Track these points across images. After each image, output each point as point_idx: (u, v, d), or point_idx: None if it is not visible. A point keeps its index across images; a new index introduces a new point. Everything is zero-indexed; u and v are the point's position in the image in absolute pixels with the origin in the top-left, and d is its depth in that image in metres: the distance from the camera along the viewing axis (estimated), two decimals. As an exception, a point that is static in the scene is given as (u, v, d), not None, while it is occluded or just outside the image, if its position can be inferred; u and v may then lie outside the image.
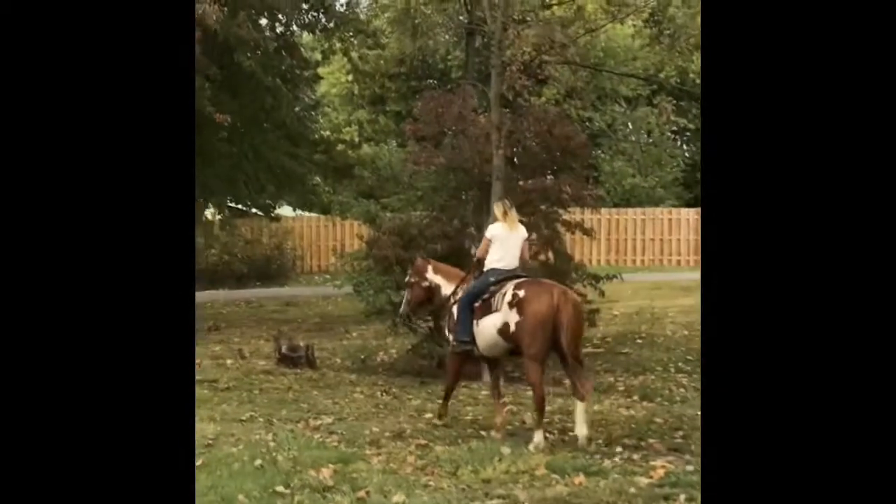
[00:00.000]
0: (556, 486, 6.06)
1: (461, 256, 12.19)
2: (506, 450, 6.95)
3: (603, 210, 23.18)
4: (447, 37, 30.05)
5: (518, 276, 8.16)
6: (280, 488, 5.85)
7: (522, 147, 12.72)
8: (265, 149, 15.42)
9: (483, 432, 7.99)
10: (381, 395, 10.30)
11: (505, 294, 7.90)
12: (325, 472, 6.27)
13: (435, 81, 30.45)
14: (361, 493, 5.72)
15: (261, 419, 8.62)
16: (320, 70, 21.03)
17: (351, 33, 16.46)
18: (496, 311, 7.92)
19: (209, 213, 16.39)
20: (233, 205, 17.77)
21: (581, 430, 7.63)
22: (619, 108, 30.02)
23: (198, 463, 6.60)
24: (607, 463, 6.62)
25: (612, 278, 12.97)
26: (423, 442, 7.50)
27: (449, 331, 8.66)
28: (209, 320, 17.36)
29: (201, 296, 21.19)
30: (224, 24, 12.90)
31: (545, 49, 12.23)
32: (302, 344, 12.66)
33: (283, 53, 16.06)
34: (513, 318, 7.77)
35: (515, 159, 12.76)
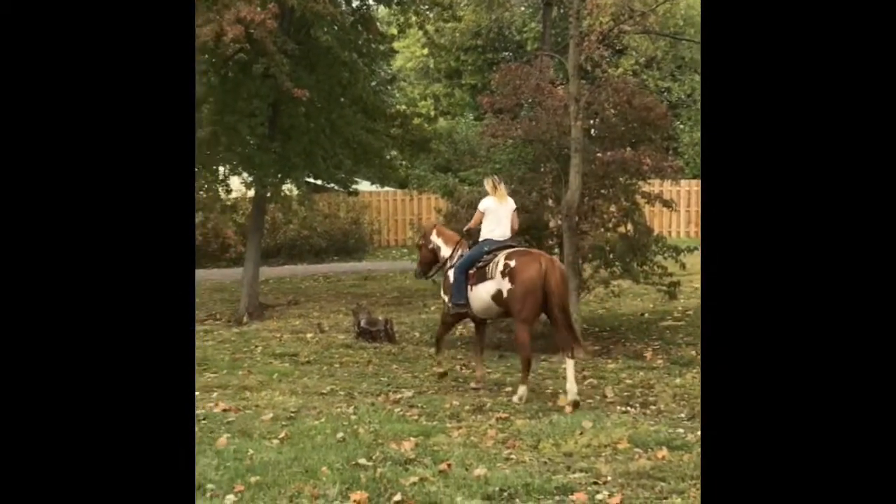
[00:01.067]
0: (639, 459, 5.99)
1: (540, 229, 12.12)
2: (587, 423, 6.90)
3: (683, 181, 22.90)
4: (523, 8, 29.91)
5: (509, 247, 9.02)
6: (362, 461, 5.88)
7: (601, 118, 12.56)
8: (342, 123, 15.43)
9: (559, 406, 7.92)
10: (461, 368, 10.29)
11: (497, 263, 8.76)
12: (407, 445, 6.30)
13: (511, 54, 30.26)
14: (443, 466, 5.72)
15: (341, 392, 8.69)
16: (395, 44, 20.97)
17: (427, 6, 16.37)
18: (490, 278, 8.80)
19: (286, 188, 16.49)
20: (310, 180, 17.87)
21: (571, 388, 8.19)
22: (698, 77, 29.54)
23: (281, 435, 6.70)
24: (691, 437, 6.53)
25: (692, 251, 12.77)
26: (503, 415, 7.48)
27: (445, 292, 9.58)
28: (289, 294, 17.55)
29: (280, 270, 21.50)
30: (301, -1, 12.94)
31: (623, 18, 12.06)
32: (381, 318, 12.71)
33: (360, 28, 16.03)
34: (505, 285, 8.62)
35: (594, 131, 12.61)
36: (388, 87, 34.09)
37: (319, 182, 18.84)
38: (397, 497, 5.14)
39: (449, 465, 5.74)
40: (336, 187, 17.68)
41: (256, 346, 11.87)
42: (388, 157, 17.54)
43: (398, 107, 21.98)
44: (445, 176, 13.95)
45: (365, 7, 16.67)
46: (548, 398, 8.35)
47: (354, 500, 5.10)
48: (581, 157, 11.05)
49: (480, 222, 9.28)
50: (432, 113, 25.67)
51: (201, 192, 15.53)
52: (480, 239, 9.24)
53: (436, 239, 9.95)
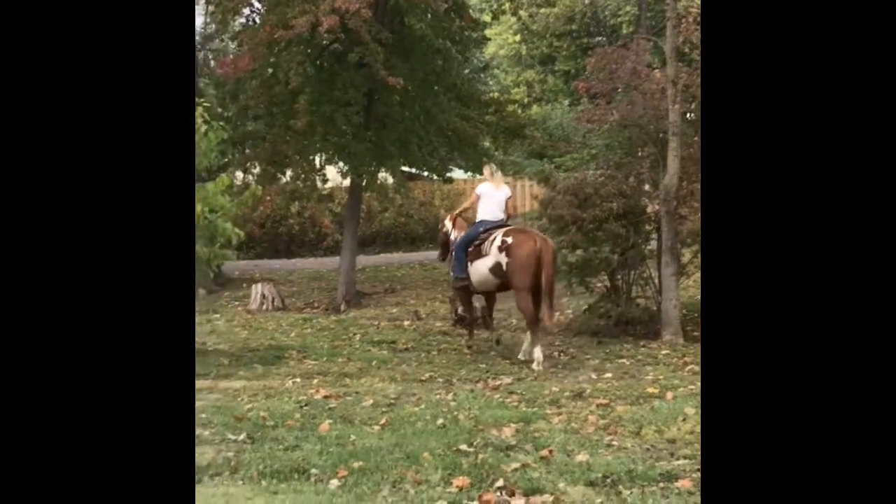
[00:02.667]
0: (745, 446, 5.87)
1: (637, 214, 11.97)
2: (689, 410, 6.79)
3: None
4: (617, -8, 29.57)
5: (504, 226, 10.15)
6: (463, 447, 5.87)
7: (699, 102, 12.34)
8: (437, 111, 15.46)
9: (660, 394, 7.82)
10: (559, 355, 10.23)
11: (494, 241, 9.86)
12: (507, 431, 6.27)
13: (605, 38, 29.95)
14: (545, 453, 5.68)
15: (440, 379, 8.71)
16: (488, 31, 20.91)
17: (520, -8, 16.33)
18: (486, 255, 9.92)
19: (382, 176, 16.61)
20: (405, 168, 17.97)
21: (537, 354, 9.39)
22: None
23: (381, 421, 6.74)
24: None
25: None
26: (603, 401, 7.40)
27: (451, 269, 10.71)
28: (385, 282, 17.67)
29: (377, 259, 21.66)
30: (395, -13, 12.99)
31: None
32: (477, 305, 12.70)
33: (453, 15, 16.01)
34: (503, 259, 9.74)
35: (691, 115, 12.39)
36: (482, 75, 34.08)
37: (414, 170, 18.92)
38: (499, 483, 5.11)
39: (550, 452, 5.70)
40: (431, 175, 17.74)
41: (355, 334, 11.97)
42: (482, 144, 17.52)
43: (492, 94, 21.92)
44: (541, 162, 13.88)
45: (458, -6, 16.66)
46: (648, 384, 8.24)
47: (457, 486, 5.10)
48: (679, 141, 10.88)
49: (474, 204, 10.57)
50: (526, 100, 25.54)
51: (298, 182, 15.74)
52: (477, 220, 10.45)
53: (448, 224, 11.27)
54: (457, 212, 11.38)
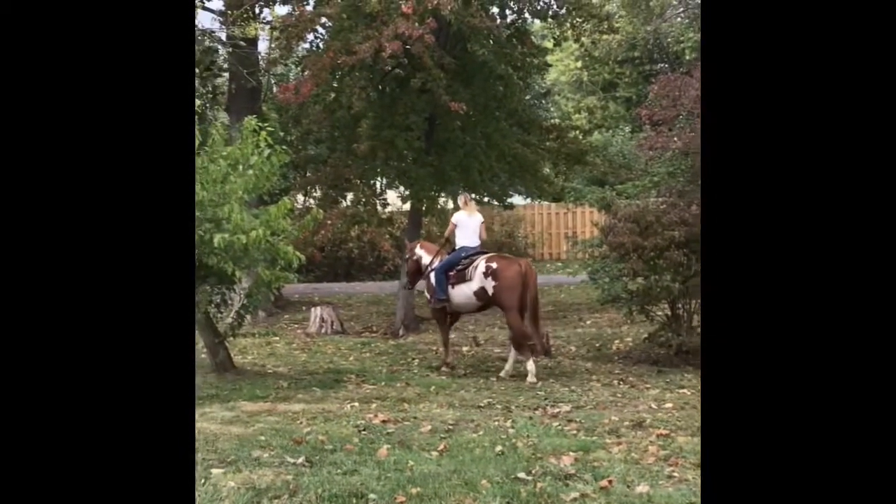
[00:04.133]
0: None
1: (699, 242, 11.82)
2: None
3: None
4: (680, 18, 29.41)
5: (484, 253, 11.05)
6: (522, 475, 5.82)
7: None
8: (498, 137, 15.46)
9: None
10: (619, 383, 10.14)
11: (477, 266, 10.72)
12: (566, 460, 6.22)
13: (667, 65, 29.82)
14: (604, 483, 5.61)
15: (499, 406, 8.66)
16: (549, 57, 20.90)
17: (583, 18, 16.24)
18: (470, 279, 10.77)
19: (442, 201, 16.64)
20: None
21: (530, 367, 10.25)
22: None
23: (440, 447, 6.71)
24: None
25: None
26: (664, 432, 7.31)
27: (427, 291, 11.60)
28: (444, 307, 17.67)
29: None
30: (458, 13, 13.02)
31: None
32: (540, 331, 12.63)
33: (515, 41, 16.03)
34: (489, 284, 10.60)
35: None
36: (543, 101, 34.07)
37: (474, 195, 18.92)
38: (559, 512, 5.08)
39: (610, 482, 5.63)
40: (491, 200, 17.73)
41: (413, 359, 11.98)
42: (543, 170, 17.48)
43: (553, 120, 21.88)
44: (602, 189, 13.80)
45: (521, 20, 16.66)
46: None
47: (515, 515, 5.06)
48: (743, 169, 10.74)
49: (453, 232, 11.36)
50: (587, 126, 25.49)
51: (359, 206, 15.81)
52: (456, 247, 11.23)
53: (419, 251, 11.82)
54: (443, 240, 11.96)
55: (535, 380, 10.05)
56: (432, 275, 11.28)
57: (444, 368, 11.21)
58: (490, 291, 10.62)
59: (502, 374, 10.69)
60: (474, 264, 10.79)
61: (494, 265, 10.65)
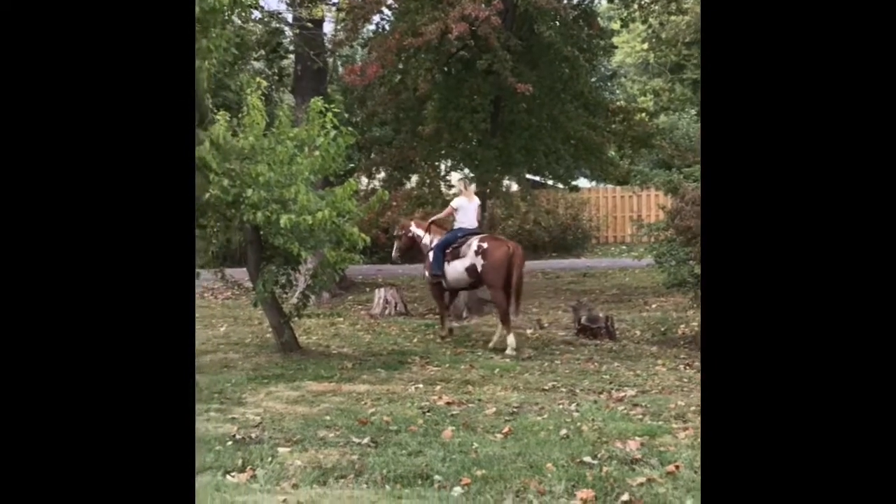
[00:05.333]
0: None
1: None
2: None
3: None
4: (750, -1, 28.92)
5: (478, 233, 11.88)
6: (587, 458, 5.80)
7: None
8: (563, 119, 15.35)
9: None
10: (684, 368, 10.02)
11: (471, 245, 11.56)
12: (632, 445, 6.17)
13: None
14: (671, 468, 5.56)
15: (563, 389, 8.62)
16: (615, 39, 20.71)
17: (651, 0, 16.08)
18: (463, 256, 11.61)
19: (506, 182, 16.57)
20: (529, 176, 17.89)
21: (510, 341, 11.07)
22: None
23: (504, 430, 6.70)
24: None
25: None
26: (731, 418, 7.21)
27: (426, 268, 12.37)
28: (508, 290, 17.62)
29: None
30: (525, -6, 12.96)
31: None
32: (601, 315, 12.56)
33: (581, 23, 15.90)
34: (479, 262, 11.45)
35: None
36: (609, 83, 33.78)
37: (538, 178, 18.83)
38: (625, 497, 5.03)
39: (677, 467, 5.58)
40: (556, 183, 17.62)
41: (477, 341, 11.96)
42: (608, 153, 17.33)
43: (619, 103, 21.68)
44: (668, 172, 13.64)
45: (587, 2, 16.52)
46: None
47: (581, 499, 5.03)
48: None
49: (451, 215, 12.21)
50: (653, 109, 25.21)
51: (423, 188, 15.82)
52: (454, 227, 12.06)
53: (415, 229, 12.69)
54: (430, 220, 12.79)
55: (513, 353, 10.87)
56: (430, 253, 12.09)
57: (446, 338, 12.08)
58: (479, 269, 11.46)
59: (490, 345, 11.50)
60: (468, 243, 11.62)
61: (485, 245, 11.50)
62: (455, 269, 11.74)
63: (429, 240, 12.32)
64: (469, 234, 11.81)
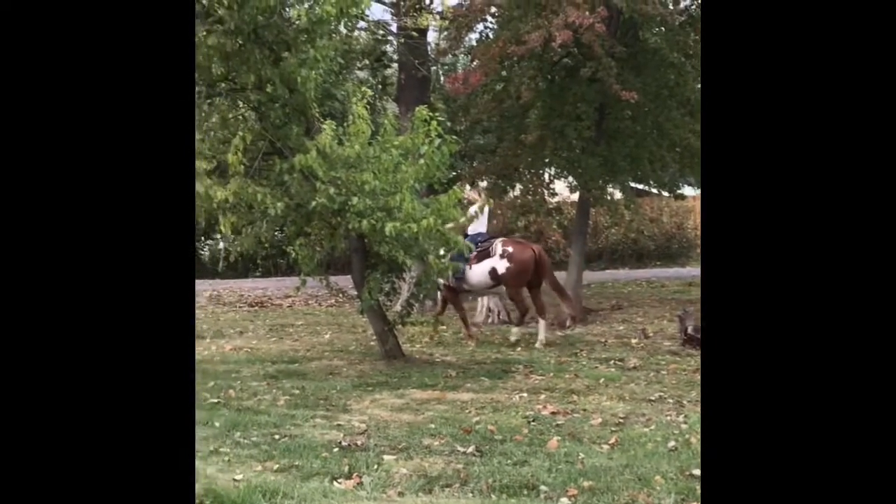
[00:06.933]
0: None
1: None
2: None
3: None
4: None
5: (496, 237, 12.72)
6: (696, 472, 5.67)
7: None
8: (669, 126, 15.12)
9: None
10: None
11: (496, 248, 12.26)
12: (743, 459, 6.03)
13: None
14: (784, 483, 5.42)
15: (670, 400, 8.47)
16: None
17: (759, 3, 15.72)
18: (487, 258, 12.21)
19: (610, 191, 16.41)
20: (633, 184, 17.69)
21: (541, 336, 12.21)
22: None
23: (610, 440, 6.61)
24: None
25: None
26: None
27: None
28: (611, 299, 17.46)
29: (602, 275, 21.46)
30: (630, 1, 12.80)
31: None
32: (691, 324, 12.32)
33: (688, 29, 15.65)
34: (503, 264, 12.17)
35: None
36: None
37: (642, 186, 18.60)
38: (736, 512, 4.91)
39: (791, 483, 5.43)
40: (660, 191, 17.38)
41: (581, 350, 11.85)
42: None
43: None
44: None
45: (694, 7, 16.26)
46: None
47: (691, 513, 4.94)
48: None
49: (471, 221, 12.52)
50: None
51: (528, 196, 15.76)
52: (470, 233, 12.34)
53: None
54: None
55: (541, 346, 11.90)
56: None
57: (469, 343, 12.49)
58: (501, 271, 12.20)
59: (537, 345, 12.10)
60: (493, 246, 12.32)
61: (510, 248, 12.26)
62: (478, 272, 12.33)
63: None
64: (487, 238, 12.59)
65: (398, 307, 11.48)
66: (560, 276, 17.23)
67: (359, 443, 6.63)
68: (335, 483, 5.63)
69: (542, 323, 12.53)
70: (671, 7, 14.98)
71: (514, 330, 12.59)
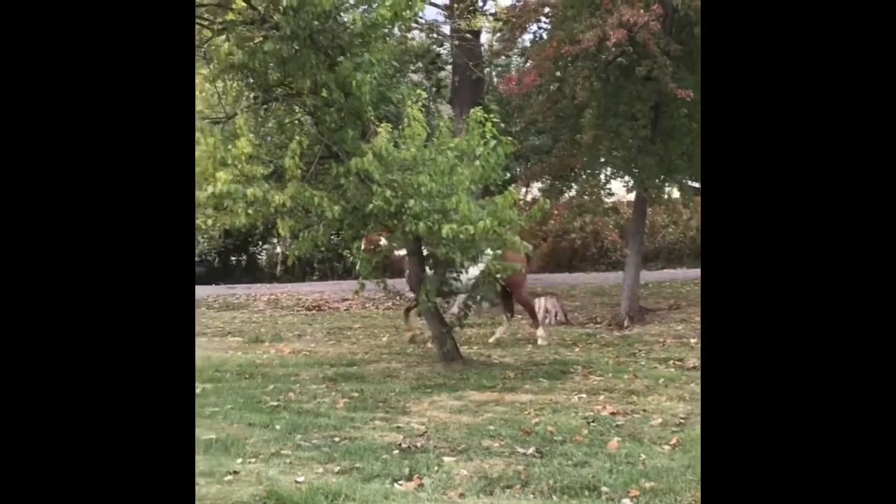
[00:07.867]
0: None
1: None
2: None
3: None
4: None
5: None
6: (759, 472, 5.62)
7: None
8: (725, 124, 14.99)
9: None
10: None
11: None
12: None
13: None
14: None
15: (731, 400, 8.38)
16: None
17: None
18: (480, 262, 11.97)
19: (667, 190, 16.27)
20: (690, 182, 17.55)
21: (540, 333, 12.84)
22: None
23: (672, 441, 6.57)
24: None
25: None
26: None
27: (407, 281, 11.93)
28: (669, 299, 17.33)
29: (659, 274, 21.29)
30: (685, -1, 12.71)
31: None
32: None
33: (744, 24, 15.51)
34: None
35: None
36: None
37: (699, 184, 18.41)
38: (801, 513, 4.86)
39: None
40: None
41: (640, 350, 11.78)
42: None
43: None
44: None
45: (750, 2, 16.11)
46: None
47: (755, 514, 4.88)
48: None
49: None
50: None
51: (585, 196, 15.69)
52: None
53: (386, 243, 12.42)
54: None
55: (543, 342, 12.54)
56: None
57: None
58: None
59: (540, 342, 12.65)
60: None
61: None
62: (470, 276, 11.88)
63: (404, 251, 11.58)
64: None
65: (455, 309, 11.49)
66: (615, 276, 17.18)
67: (418, 445, 6.66)
68: (396, 485, 5.66)
69: (506, 324, 13.29)
70: (727, 3, 14.84)
71: (539, 332, 12.92)
